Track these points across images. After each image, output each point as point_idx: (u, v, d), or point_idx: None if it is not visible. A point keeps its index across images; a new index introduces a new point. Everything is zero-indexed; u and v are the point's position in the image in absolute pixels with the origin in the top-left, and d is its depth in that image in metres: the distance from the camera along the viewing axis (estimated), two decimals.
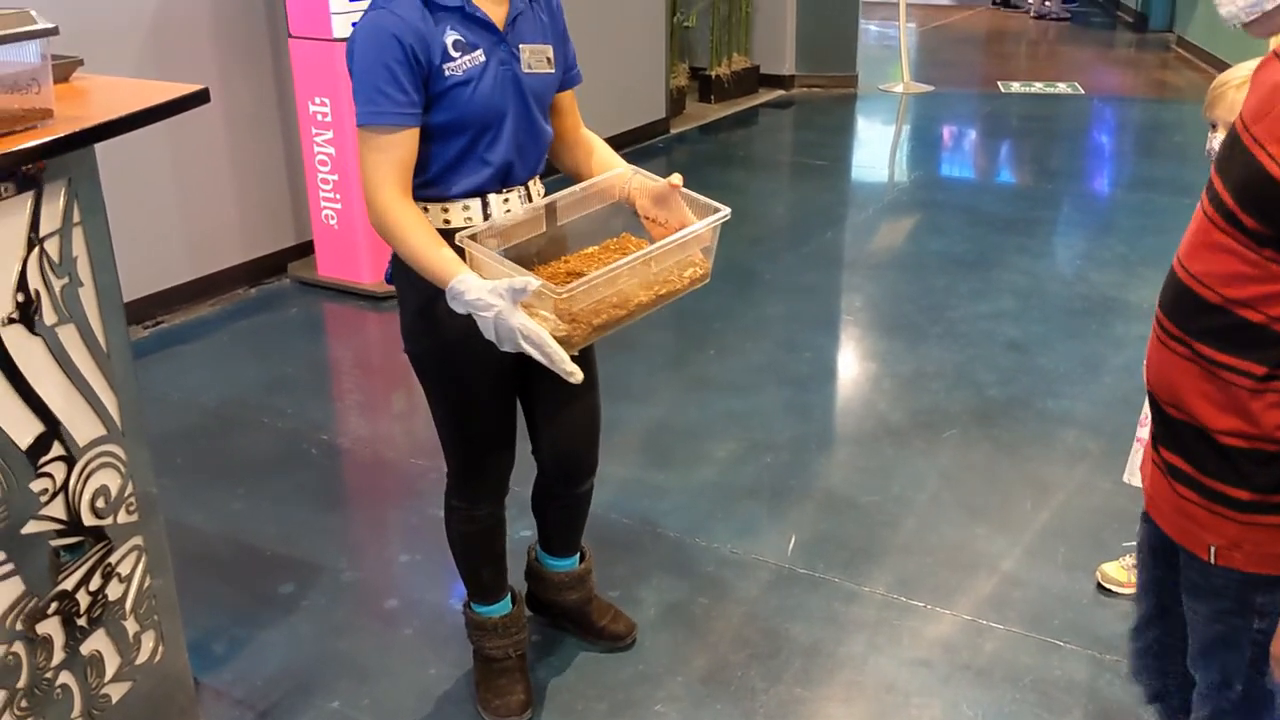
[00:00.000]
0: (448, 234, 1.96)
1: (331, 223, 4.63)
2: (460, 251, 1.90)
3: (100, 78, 2.20)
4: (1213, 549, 1.51)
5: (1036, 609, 2.72)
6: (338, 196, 4.57)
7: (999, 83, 8.98)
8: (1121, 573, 2.73)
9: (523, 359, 1.85)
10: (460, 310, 1.83)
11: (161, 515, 2.16)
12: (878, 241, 5.53)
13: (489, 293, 1.77)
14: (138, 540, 2.09)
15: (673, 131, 7.22)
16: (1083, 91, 8.67)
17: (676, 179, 2.02)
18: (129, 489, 2.05)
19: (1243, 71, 2.05)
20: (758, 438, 3.53)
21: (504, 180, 2.03)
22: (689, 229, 1.98)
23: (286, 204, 4.86)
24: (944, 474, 3.31)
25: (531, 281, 1.75)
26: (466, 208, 2.01)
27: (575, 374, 1.80)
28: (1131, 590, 2.52)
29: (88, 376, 1.95)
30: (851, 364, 4.26)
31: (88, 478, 1.96)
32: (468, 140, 1.97)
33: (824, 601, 2.76)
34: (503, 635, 2.39)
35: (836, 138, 7.65)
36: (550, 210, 2.03)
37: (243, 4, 4.54)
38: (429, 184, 2.00)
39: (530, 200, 2.07)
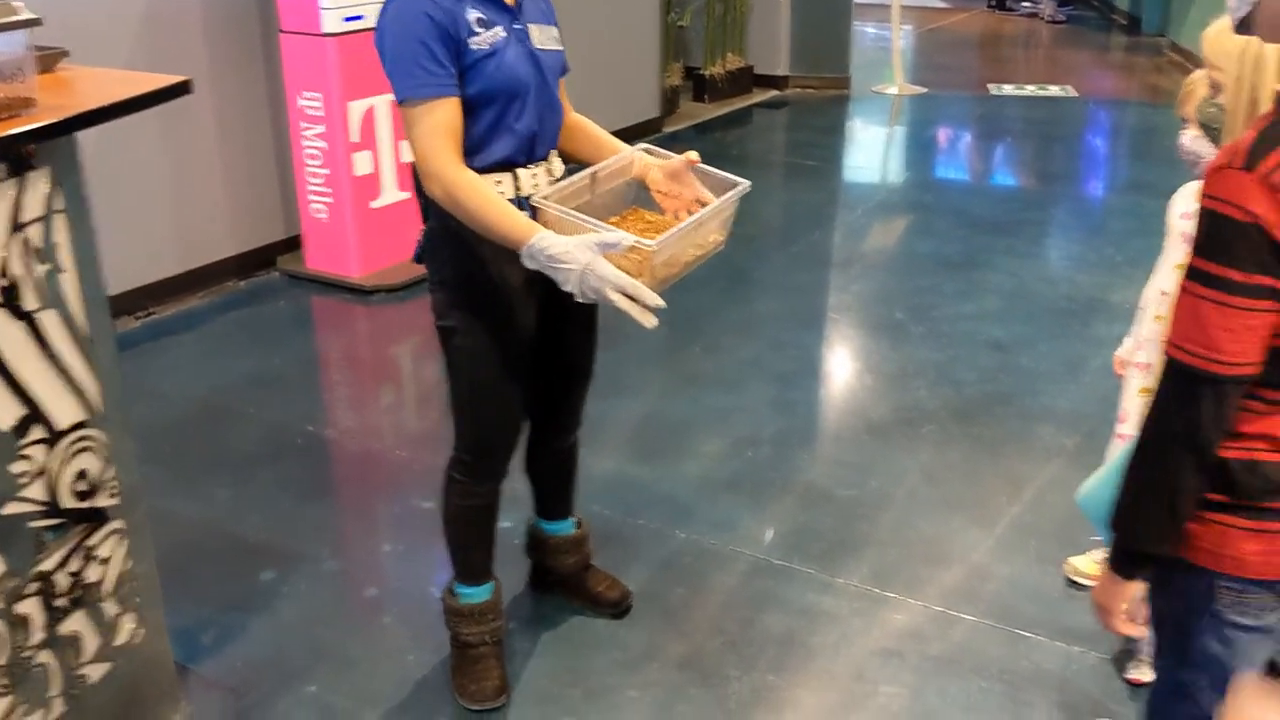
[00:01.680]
0: None
1: (321, 216, 4.67)
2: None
3: (84, 69, 2.22)
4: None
5: (1006, 601, 2.75)
6: (328, 190, 4.61)
7: (991, 85, 9.03)
8: (1091, 566, 2.77)
9: (547, 320, 2.12)
10: (534, 266, 1.93)
11: (144, 500, 2.19)
12: (867, 242, 5.57)
13: (575, 246, 1.88)
14: (119, 524, 2.12)
15: (666, 130, 7.26)
16: (1075, 94, 8.71)
17: (693, 155, 2.18)
18: (110, 473, 2.08)
19: None
20: (742, 433, 3.57)
21: (529, 153, 2.13)
22: (733, 192, 2.14)
23: (276, 198, 4.90)
24: (922, 469, 3.35)
25: (626, 237, 1.90)
26: (499, 181, 2.09)
27: (654, 320, 1.90)
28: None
29: (70, 361, 1.98)
30: (836, 362, 4.30)
31: (68, 461, 1.99)
32: (497, 111, 2.06)
33: (799, 592, 2.79)
34: (479, 622, 2.44)
35: (829, 138, 7.69)
36: (592, 180, 2.15)
37: None
38: (463, 156, 2.07)
39: (552, 175, 2.18)
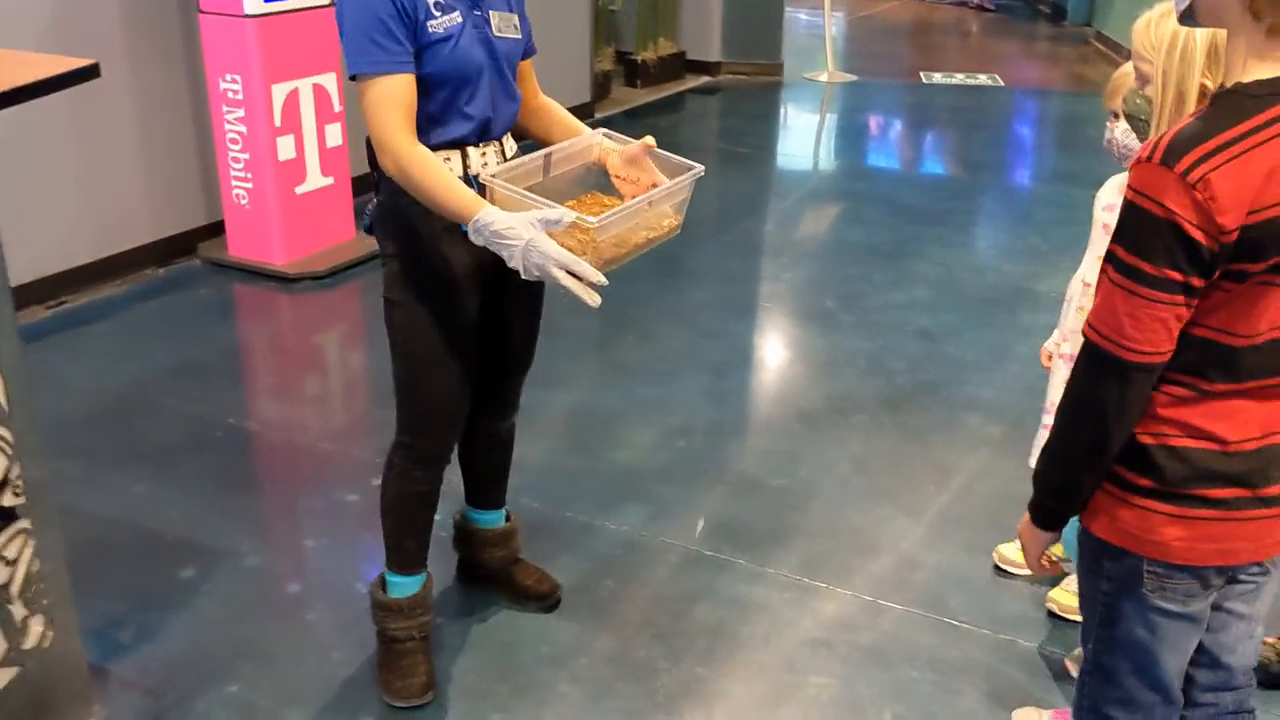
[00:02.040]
0: None
1: (242, 202, 4.56)
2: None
3: None
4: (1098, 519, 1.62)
5: (935, 590, 2.77)
6: (249, 175, 4.50)
7: (922, 73, 9.10)
8: (1019, 555, 2.79)
9: (491, 303, 2.16)
10: (480, 242, 1.94)
11: (52, 499, 2.12)
12: (798, 230, 5.58)
13: (520, 223, 1.90)
14: (25, 524, 2.04)
15: (597, 115, 7.21)
16: (1003, 84, 8.82)
17: (650, 140, 2.18)
18: (15, 471, 2.00)
19: None
20: (673, 423, 3.55)
21: (481, 135, 2.15)
22: (685, 176, 2.14)
23: (196, 183, 4.77)
24: (852, 459, 3.36)
25: (567, 214, 1.90)
26: (448, 159, 2.10)
27: (597, 299, 1.90)
28: (1025, 570, 2.58)
29: None
30: (767, 351, 4.30)
31: None
32: (449, 93, 2.08)
33: (730, 583, 2.79)
34: (407, 616, 2.40)
35: (761, 125, 7.69)
36: (546, 162, 2.15)
37: None
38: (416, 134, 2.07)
39: (504, 156, 2.19)
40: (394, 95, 1.99)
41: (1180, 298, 1.39)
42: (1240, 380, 1.47)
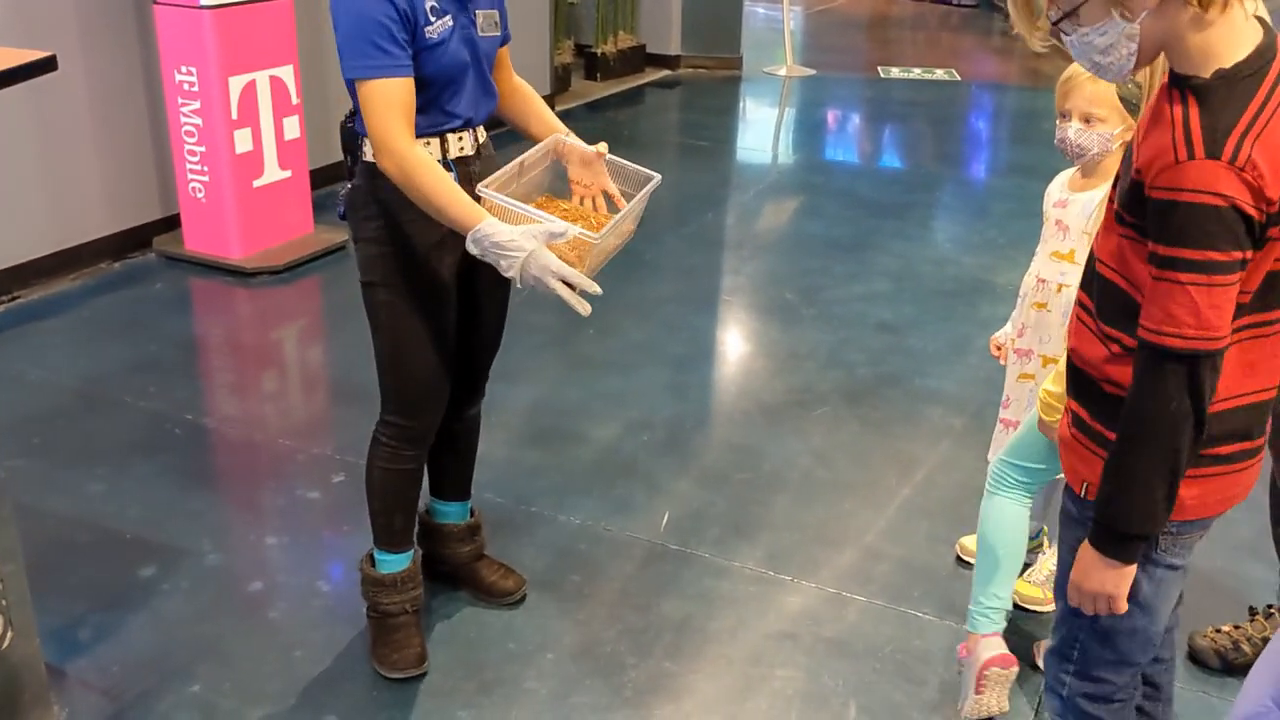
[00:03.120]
0: None
1: (199, 195, 4.50)
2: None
3: None
4: (1086, 485, 1.66)
5: (898, 581, 2.80)
6: (205, 168, 4.44)
7: (879, 68, 9.15)
8: None
9: (465, 285, 2.24)
10: (476, 251, 1.99)
11: (9, 499, 2.08)
12: (758, 223, 5.60)
13: (520, 235, 1.96)
14: None
15: (557, 109, 7.18)
16: (959, 78, 8.89)
17: (603, 148, 2.27)
18: None
19: None
20: (635, 417, 3.56)
21: (461, 127, 2.21)
22: (649, 187, 2.25)
23: (152, 176, 4.71)
24: (814, 452, 3.38)
25: (571, 228, 1.98)
26: (427, 143, 2.14)
27: (589, 308, 1.99)
28: None
29: None
30: (728, 344, 4.31)
31: None
32: (434, 93, 2.13)
33: (695, 577, 2.79)
34: (400, 591, 2.44)
35: (721, 119, 7.70)
36: (519, 169, 2.20)
37: None
38: None
39: (478, 141, 2.26)
40: (395, 98, 2.01)
41: (1242, 274, 1.45)
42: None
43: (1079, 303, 1.69)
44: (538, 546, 2.89)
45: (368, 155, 2.16)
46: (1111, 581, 1.61)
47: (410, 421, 2.34)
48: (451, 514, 2.65)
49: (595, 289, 1.99)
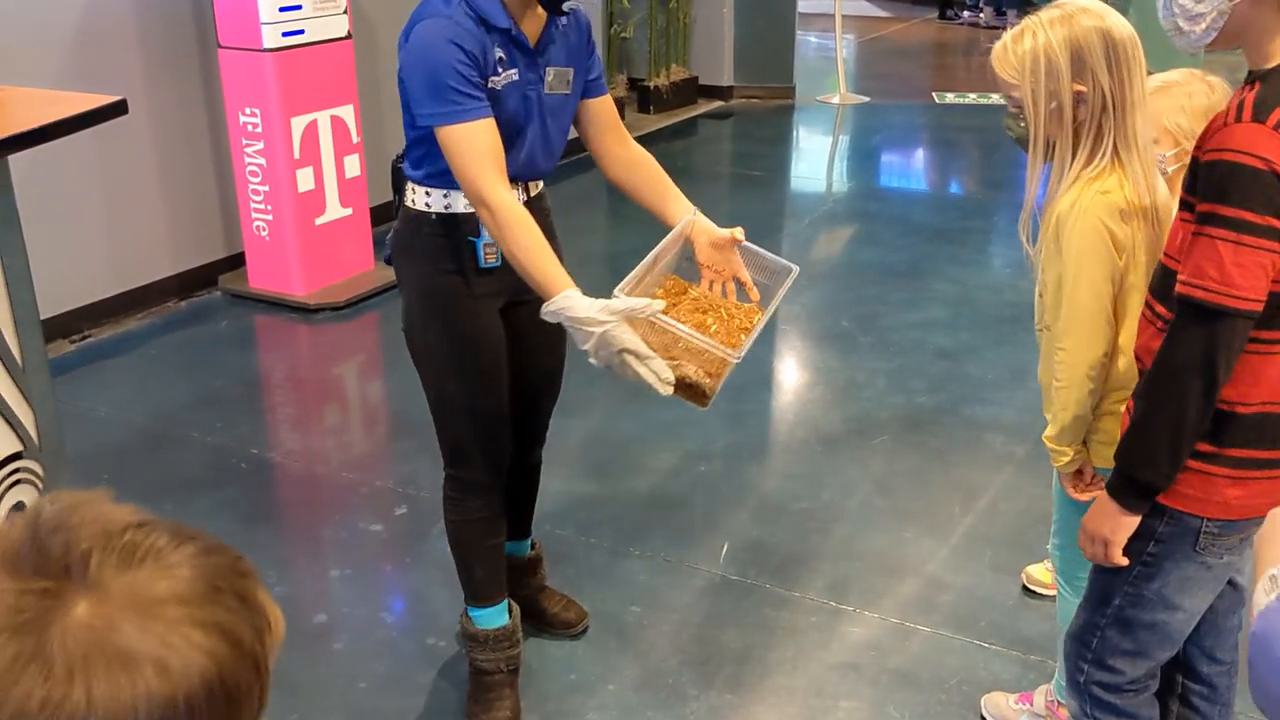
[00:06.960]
0: (449, 218, 2.12)
1: (263, 234, 4.59)
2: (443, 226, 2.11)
3: (16, 89, 2.17)
4: None
5: (963, 611, 2.76)
6: (268, 207, 4.53)
7: (934, 94, 9.12)
8: (1046, 575, 2.78)
9: (514, 332, 2.19)
10: (552, 320, 1.91)
11: None
12: (813, 252, 5.59)
13: (599, 311, 1.85)
14: None
15: None
16: None
17: (739, 232, 2.16)
18: None
19: (1154, 81, 2.11)
20: (692, 447, 3.55)
21: (512, 179, 2.11)
22: (787, 281, 2.15)
23: (217, 215, 4.81)
24: (874, 480, 3.35)
25: (654, 304, 1.87)
26: None
27: (670, 388, 1.90)
28: (1054, 592, 2.56)
29: (3, 393, 1.91)
30: (786, 373, 4.30)
31: (4, 494, 1.93)
32: None
33: (755, 607, 2.78)
34: (494, 648, 2.40)
35: (774, 149, 7.71)
36: (654, 263, 2.07)
37: (169, 14, 4.49)
38: (445, 172, 2.04)
39: (529, 194, 2.19)
40: (481, 143, 1.96)
41: (1276, 244, 1.48)
42: None
43: (1146, 304, 1.72)
44: (598, 578, 2.89)
45: (409, 199, 2.14)
46: (1109, 526, 1.66)
47: (465, 473, 2.31)
48: (513, 550, 2.63)
49: (670, 376, 1.88)
